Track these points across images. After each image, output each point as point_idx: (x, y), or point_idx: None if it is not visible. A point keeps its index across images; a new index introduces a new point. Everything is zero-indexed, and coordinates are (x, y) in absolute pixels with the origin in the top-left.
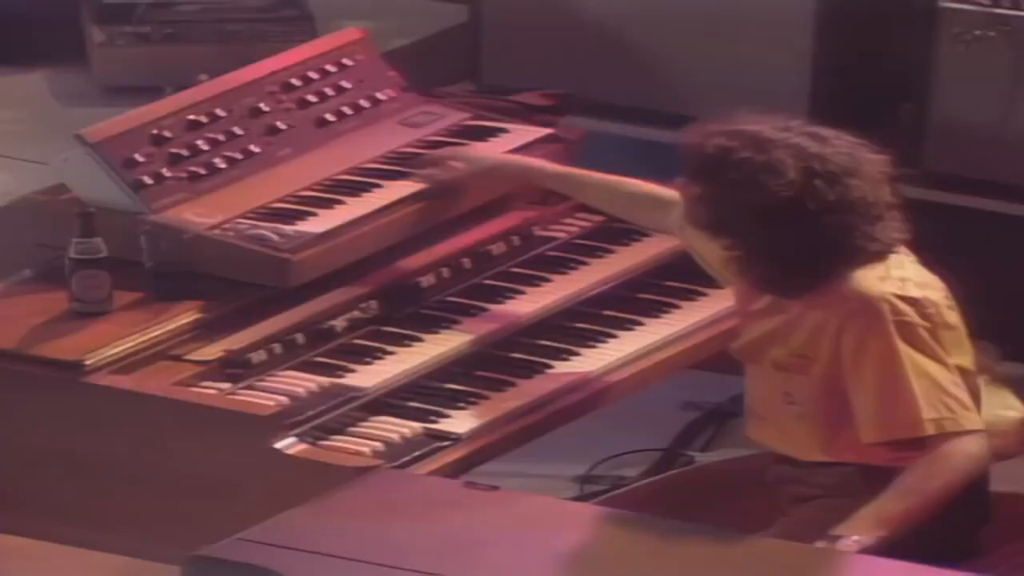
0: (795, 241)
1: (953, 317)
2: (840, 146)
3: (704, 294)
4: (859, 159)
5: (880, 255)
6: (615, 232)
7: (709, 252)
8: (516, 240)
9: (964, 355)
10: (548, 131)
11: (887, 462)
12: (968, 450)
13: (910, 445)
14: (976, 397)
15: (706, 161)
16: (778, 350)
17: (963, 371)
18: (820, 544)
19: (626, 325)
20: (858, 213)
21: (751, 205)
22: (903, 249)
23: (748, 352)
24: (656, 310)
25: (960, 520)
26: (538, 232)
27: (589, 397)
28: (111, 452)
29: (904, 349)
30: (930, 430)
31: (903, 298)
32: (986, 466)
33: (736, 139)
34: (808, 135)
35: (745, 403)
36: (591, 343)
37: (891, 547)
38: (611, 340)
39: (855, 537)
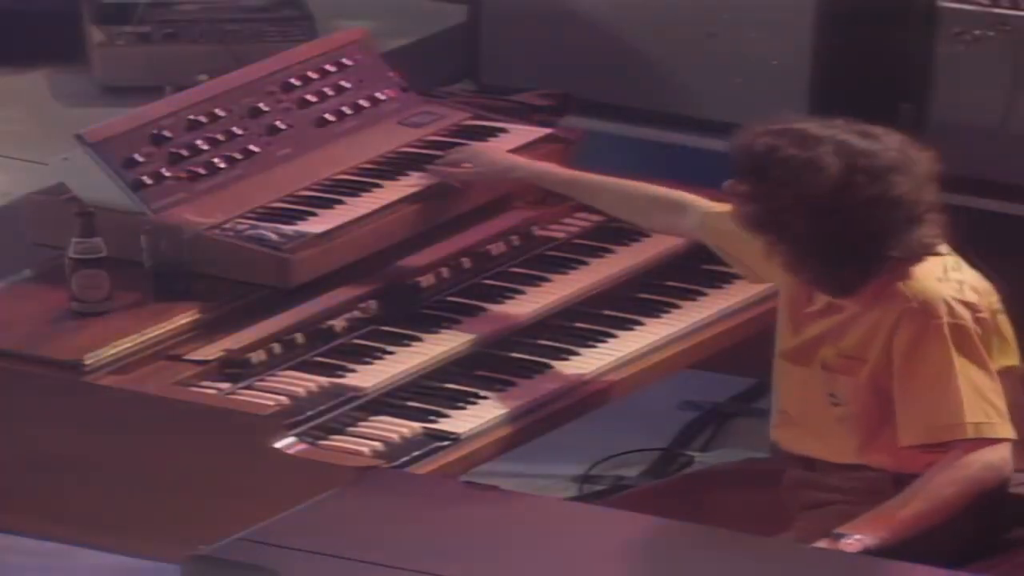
0: (837, 236)
1: (1003, 320)
2: (888, 143)
3: (704, 294)
4: (907, 157)
5: (922, 254)
6: (615, 232)
7: (741, 252)
8: (516, 240)
9: (1011, 356)
10: (547, 131)
11: (919, 468)
12: (990, 460)
13: (943, 447)
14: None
15: (753, 159)
16: (828, 351)
17: (1011, 369)
18: (822, 543)
19: (626, 325)
20: (901, 210)
21: (794, 201)
22: (950, 250)
23: (798, 354)
24: (656, 310)
25: (976, 522)
26: (538, 232)
27: (588, 397)
28: (111, 452)
29: (956, 353)
30: (969, 433)
31: (960, 301)
32: (1007, 476)
33: (782, 137)
34: (856, 132)
35: (775, 406)
36: (591, 343)
37: (901, 548)
38: (611, 340)
39: (857, 536)
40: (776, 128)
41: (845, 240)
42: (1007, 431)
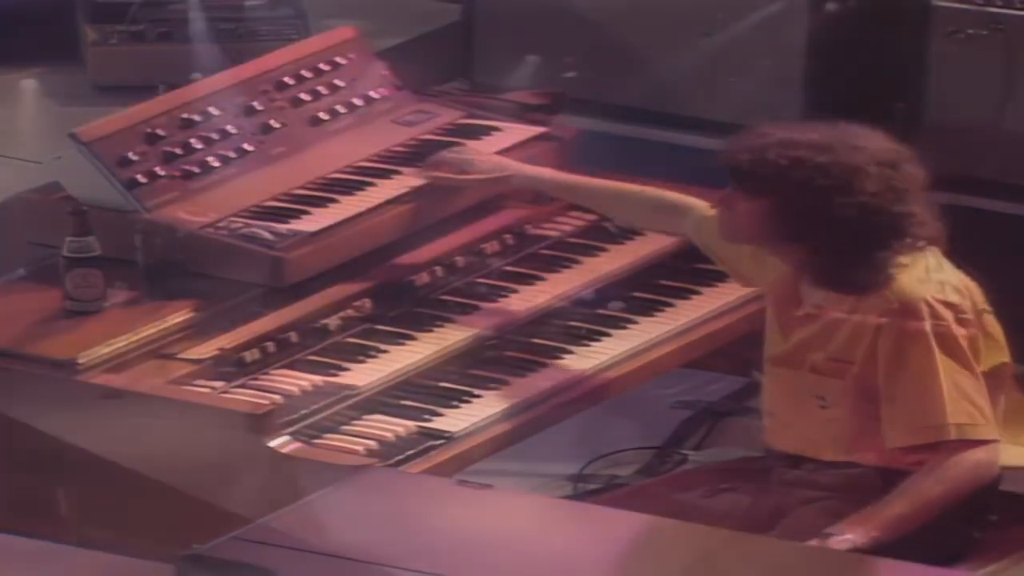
0: (879, 232)
1: (988, 319)
2: (879, 137)
3: (697, 293)
4: (903, 148)
5: (937, 237)
6: (608, 231)
7: (731, 256)
8: (509, 239)
9: (1001, 353)
10: (541, 130)
11: (905, 465)
12: (980, 459)
13: (929, 448)
14: (1009, 388)
15: (782, 172)
16: (816, 354)
17: (1001, 367)
18: (813, 542)
19: (619, 324)
20: (919, 196)
21: (844, 205)
22: (933, 251)
23: (788, 358)
24: (649, 309)
25: (965, 520)
26: (531, 231)
27: (582, 395)
28: (105, 450)
29: (939, 354)
30: (952, 435)
31: (942, 302)
32: (996, 475)
33: (799, 147)
34: (847, 132)
35: (765, 408)
36: (584, 341)
37: (890, 547)
38: (604, 339)
39: (847, 535)
40: (783, 139)
41: (883, 235)
42: (991, 432)
